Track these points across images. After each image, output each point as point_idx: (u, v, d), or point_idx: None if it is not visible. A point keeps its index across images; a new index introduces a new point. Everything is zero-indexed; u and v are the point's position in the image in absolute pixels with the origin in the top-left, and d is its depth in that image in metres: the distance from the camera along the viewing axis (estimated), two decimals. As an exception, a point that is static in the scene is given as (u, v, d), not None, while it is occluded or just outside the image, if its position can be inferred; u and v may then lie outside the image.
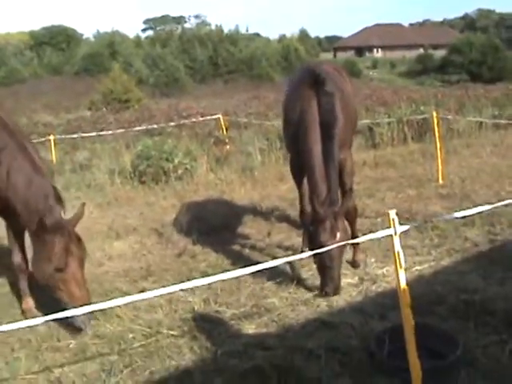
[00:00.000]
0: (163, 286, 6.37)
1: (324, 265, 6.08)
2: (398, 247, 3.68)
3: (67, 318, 5.12)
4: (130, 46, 74.96)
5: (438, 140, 11.81)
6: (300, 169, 6.96)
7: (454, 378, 4.23)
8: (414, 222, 7.64)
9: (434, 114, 12.24)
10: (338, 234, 5.96)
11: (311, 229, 6.11)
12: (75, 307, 5.15)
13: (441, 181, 11.35)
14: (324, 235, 5.94)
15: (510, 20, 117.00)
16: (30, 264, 5.96)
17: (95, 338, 5.65)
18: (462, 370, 4.35)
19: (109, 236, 9.46)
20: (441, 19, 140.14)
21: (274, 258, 7.43)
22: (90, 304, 5.30)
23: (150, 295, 3.98)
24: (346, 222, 6.33)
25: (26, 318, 5.86)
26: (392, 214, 3.70)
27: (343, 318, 5.55)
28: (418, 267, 6.81)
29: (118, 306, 6.13)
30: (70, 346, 5.55)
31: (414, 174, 12.39)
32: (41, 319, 3.90)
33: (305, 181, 7.01)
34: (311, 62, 8.29)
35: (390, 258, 7.22)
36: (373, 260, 7.26)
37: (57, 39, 79.56)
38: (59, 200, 5.75)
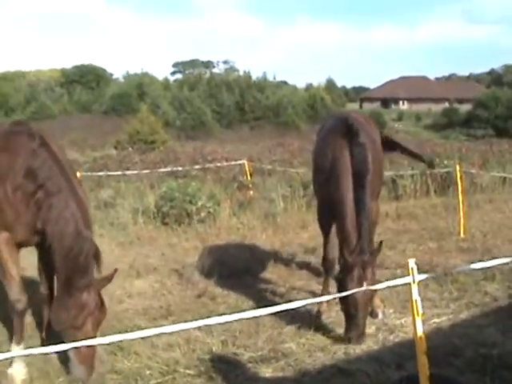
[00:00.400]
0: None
1: (349, 312, 6.13)
2: (415, 295, 3.75)
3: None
4: (159, 87, 76.01)
5: (460, 194, 11.86)
6: (328, 215, 7.08)
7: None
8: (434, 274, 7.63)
9: (458, 167, 12.31)
10: (365, 284, 6.00)
11: (339, 276, 6.21)
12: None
13: (462, 234, 11.36)
14: (351, 284, 6.00)
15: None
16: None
17: (113, 373, 5.74)
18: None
19: (130, 274, 9.52)
20: (467, 74, 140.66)
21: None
22: (91, 366, 5.42)
23: (166, 330, 4.04)
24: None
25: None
26: (411, 262, 3.79)
27: (360, 365, 5.60)
28: (436, 319, 6.83)
29: (138, 341, 6.25)
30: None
31: (435, 227, 12.41)
32: (53, 348, 3.93)
33: (332, 229, 7.15)
34: (342, 112, 8.48)
35: (408, 309, 7.18)
36: (391, 311, 7.29)
37: (87, 78, 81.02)
38: (97, 257, 5.61)
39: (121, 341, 5.84)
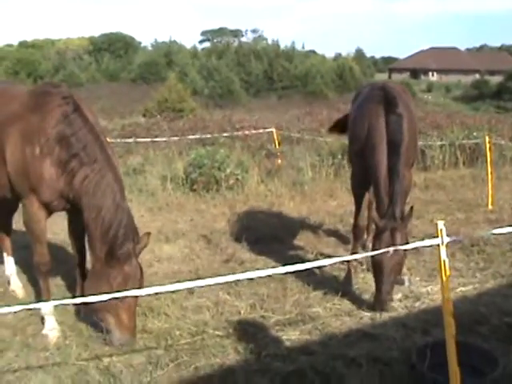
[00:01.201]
0: (211, 289, 6.70)
1: (376, 276, 6.23)
2: (443, 256, 3.82)
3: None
4: (187, 56, 75.91)
5: (489, 165, 11.80)
6: (361, 183, 7.19)
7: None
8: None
9: (487, 138, 12.24)
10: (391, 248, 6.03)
11: (372, 242, 6.30)
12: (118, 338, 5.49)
13: (490, 206, 11.33)
14: (379, 247, 6.05)
15: None
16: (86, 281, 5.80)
17: (143, 333, 5.86)
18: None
19: (159, 239, 9.61)
20: (498, 45, 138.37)
21: (320, 267, 7.62)
22: (134, 338, 5.57)
23: (197, 284, 4.09)
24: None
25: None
26: (440, 224, 3.85)
27: (385, 330, 5.69)
28: (463, 288, 6.89)
29: (167, 305, 6.39)
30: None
31: (463, 198, 12.37)
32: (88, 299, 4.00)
33: (366, 196, 7.24)
34: (379, 82, 8.55)
35: (434, 277, 7.33)
36: (417, 278, 7.35)
37: (115, 46, 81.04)
38: (134, 229, 5.64)
39: (155, 296, 6.06)
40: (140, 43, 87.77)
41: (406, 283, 7.11)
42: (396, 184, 6.23)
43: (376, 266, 6.13)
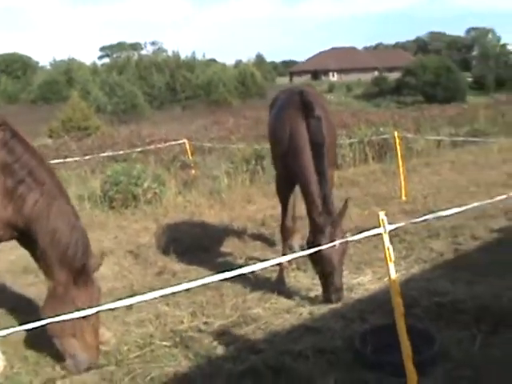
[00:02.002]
0: (148, 303, 6.80)
1: (326, 272, 6.47)
2: (387, 243, 4.14)
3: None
4: (87, 73, 75.07)
5: (400, 159, 12.35)
6: (287, 185, 7.51)
7: (433, 370, 4.65)
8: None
9: (396, 133, 12.81)
10: (337, 241, 6.30)
11: (310, 239, 6.55)
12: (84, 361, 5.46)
13: (404, 198, 11.86)
14: (324, 242, 6.24)
15: (461, 42, 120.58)
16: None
17: (91, 352, 5.91)
18: (440, 363, 4.77)
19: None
20: (393, 42, 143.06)
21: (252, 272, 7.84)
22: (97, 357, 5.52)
23: (142, 299, 4.21)
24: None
25: None
26: (381, 214, 4.16)
27: (326, 323, 5.98)
28: (390, 276, 7.25)
29: (109, 320, 6.47)
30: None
31: (377, 193, 12.89)
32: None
33: (290, 199, 7.66)
34: (295, 87, 8.93)
35: (362, 270, 7.72)
36: (346, 272, 7.65)
37: (12, 67, 79.19)
38: (89, 248, 5.64)
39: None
40: (38, 63, 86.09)
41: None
42: (325, 182, 6.55)
43: (326, 260, 6.37)
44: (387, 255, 4.18)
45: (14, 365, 5.85)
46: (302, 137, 6.79)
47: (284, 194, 7.80)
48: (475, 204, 5.60)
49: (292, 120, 7.02)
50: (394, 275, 4.14)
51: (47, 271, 5.58)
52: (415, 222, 5.36)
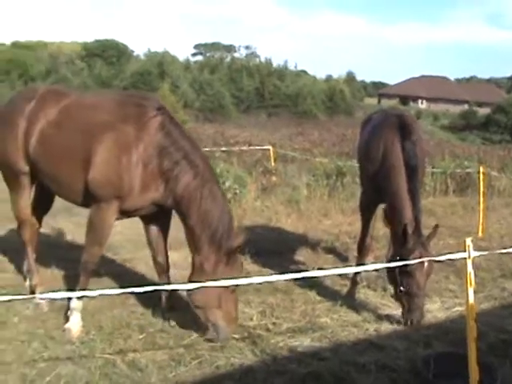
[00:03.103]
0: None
1: (412, 293, 6.49)
2: (470, 268, 4.28)
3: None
4: (179, 68, 76.06)
5: (481, 194, 12.31)
6: (372, 203, 7.71)
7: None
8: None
9: (481, 169, 12.76)
10: (427, 264, 6.41)
11: (394, 256, 6.66)
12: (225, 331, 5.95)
13: (480, 234, 11.81)
14: (416, 264, 6.34)
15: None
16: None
17: (162, 332, 6.25)
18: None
19: None
20: (487, 77, 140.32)
21: (323, 283, 8.04)
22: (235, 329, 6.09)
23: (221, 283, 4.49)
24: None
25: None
26: (468, 241, 4.34)
27: (391, 342, 6.13)
28: (459, 308, 7.32)
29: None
30: (140, 336, 6.13)
31: (454, 225, 12.82)
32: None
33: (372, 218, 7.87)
34: (390, 109, 9.15)
35: (430, 297, 7.77)
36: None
37: (108, 53, 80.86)
38: (233, 228, 6.18)
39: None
40: (133, 52, 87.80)
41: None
42: (417, 205, 6.70)
43: (414, 280, 6.42)
44: (468, 280, 4.32)
45: (89, 332, 6.21)
46: (398, 157, 6.93)
47: (368, 212, 7.96)
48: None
49: (388, 140, 7.17)
50: (472, 300, 4.27)
51: (194, 247, 6.10)
52: (501, 253, 5.39)
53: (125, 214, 6.26)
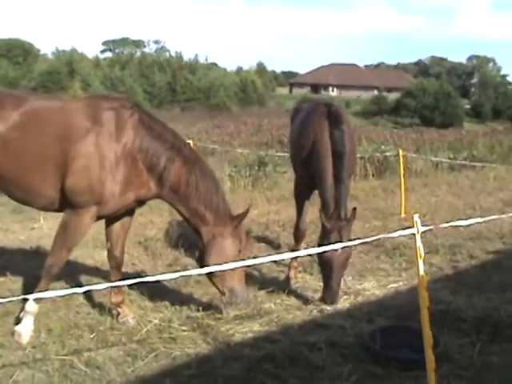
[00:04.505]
0: (162, 291, 7.21)
1: (325, 274, 6.94)
2: (419, 242, 4.57)
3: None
4: (89, 65, 74.99)
5: (402, 176, 12.80)
6: (305, 190, 7.98)
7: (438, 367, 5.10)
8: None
9: (401, 152, 13.27)
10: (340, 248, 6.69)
11: (318, 241, 6.96)
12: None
13: (403, 214, 12.29)
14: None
15: (461, 69, 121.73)
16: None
17: (113, 330, 6.30)
18: (443, 364, 5.20)
19: (96, 245, 9.79)
20: (395, 63, 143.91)
21: (260, 271, 8.26)
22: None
23: (170, 277, 4.56)
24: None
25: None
26: (415, 217, 4.62)
27: (335, 321, 6.43)
28: (394, 285, 7.73)
29: (126, 304, 6.82)
30: (91, 335, 6.16)
31: (377, 208, 13.29)
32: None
33: (306, 204, 8.07)
34: (321, 99, 9.54)
35: (365, 277, 8.14)
36: (350, 278, 8.08)
37: (13, 52, 78.69)
38: None
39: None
40: (39, 51, 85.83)
41: (342, 282, 7.85)
42: (341, 189, 7.00)
43: (326, 264, 6.85)
44: (418, 253, 4.61)
45: (39, 336, 6.17)
46: (326, 145, 7.23)
47: (301, 198, 8.23)
48: (494, 216, 5.99)
49: (317, 128, 7.45)
50: (422, 271, 4.57)
51: (201, 222, 6.38)
52: (445, 227, 5.73)
53: (103, 217, 6.30)
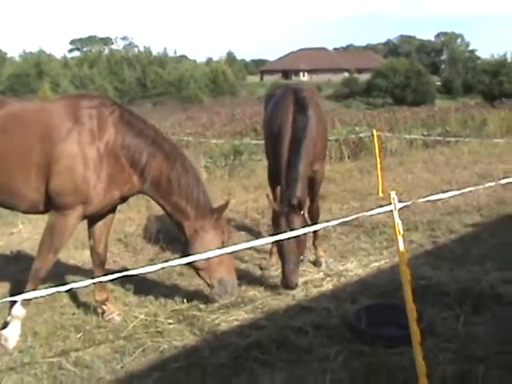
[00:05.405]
0: (146, 286, 7.21)
1: (280, 258, 7.01)
2: (397, 219, 4.60)
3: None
4: (57, 66, 74.44)
5: (378, 156, 12.88)
6: (275, 174, 7.91)
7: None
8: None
9: (375, 132, 13.33)
10: (288, 231, 6.75)
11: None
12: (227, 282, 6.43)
13: (381, 194, 12.38)
14: (276, 230, 6.82)
15: (430, 46, 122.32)
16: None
17: (99, 328, 6.29)
18: (428, 338, 5.25)
19: (76, 246, 9.63)
20: (364, 44, 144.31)
21: (242, 259, 8.29)
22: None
23: (151, 269, 4.43)
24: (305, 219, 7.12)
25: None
26: (392, 194, 4.65)
27: (319, 303, 6.48)
28: (375, 264, 7.79)
29: (112, 301, 6.82)
30: (78, 335, 6.14)
31: (354, 189, 13.40)
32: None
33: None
34: (291, 84, 9.53)
35: (346, 258, 8.20)
36: (331, 260, 8.14)
37: (-21, 57, 77.94)
38: None
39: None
40: (6, 54, 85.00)
41: (324, 264, 7.91)
42: (292, 174, 7.03)
43: (278, 249, 6.95)
44: (397, 230, 4.63)
45: (25, 340, 6.12)
46: (286, 129, 7.31)
47: (274, 184, 8.23)
48: (470, 188, 6.03)
49: (282, 114, 7.52)
50: (402, 247, 4.60)
51: (182, 217, 6.40)
52: (422, 202, 5.76)
53: (88, 216, 6.27)
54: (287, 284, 6.90)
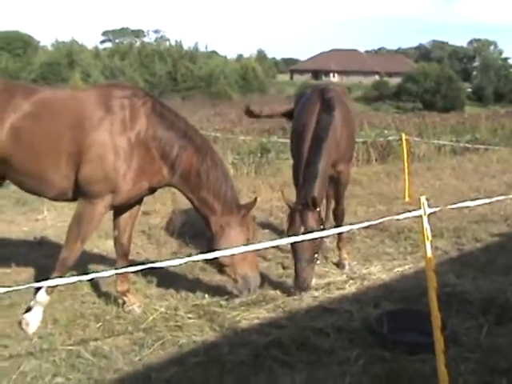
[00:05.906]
0: (168, 279, 7.20)
1: (293, 257, 6.96)
2: (426, 224, 4.54)
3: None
4: (89, 56, 74.92)
5: (406, 160, 12.77)
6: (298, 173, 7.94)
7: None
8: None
9: (404, 136, 13.22)
10: (302, 228, 6.74)
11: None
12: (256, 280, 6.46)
13: (408, 198, 12.27)
14: (291, 229, 6.86)
15: (463, 52, 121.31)
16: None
17: (119, 319, 6.30)
18: (451, 347, 5.18)
19: (99, 235, 9.71)
20: (395, 48, 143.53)
21: (265, 257, 8.25)
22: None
23: (175, 263, 4.49)
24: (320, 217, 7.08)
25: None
26: (422, 198, 4.61)
27: (342, 305, 6.43)
28: (399, 268, 7.72)
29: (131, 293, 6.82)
30: (97, 325, 6.16)
31: (381, 192, 13.29)
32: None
33: None
34: (321, 84, 9.49)
35: (370, 261, 8.13)
36: (355, 263, 8.09)
37: (13, 45, 78.41)
38: None
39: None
40: (39, 42, 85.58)
41: (347, 267, 7.86)
42: (310, 172, 7.01)
43: (291, 247, 6.89)
44: (425, 235, 4.58)
45: (45, 326, 6.16)
46: (309, 129, 7.31)
47: (297, 182, 8.22)
48: (498, 197, 5.96)
49: (308, 113, 7.51)
50: (430, 253, 4.55)
51: (209, 212, 6.40)
52: (449, 209, 5.69)
53: (116, 206, 6.28)
54: (298, 283, 6.85)
